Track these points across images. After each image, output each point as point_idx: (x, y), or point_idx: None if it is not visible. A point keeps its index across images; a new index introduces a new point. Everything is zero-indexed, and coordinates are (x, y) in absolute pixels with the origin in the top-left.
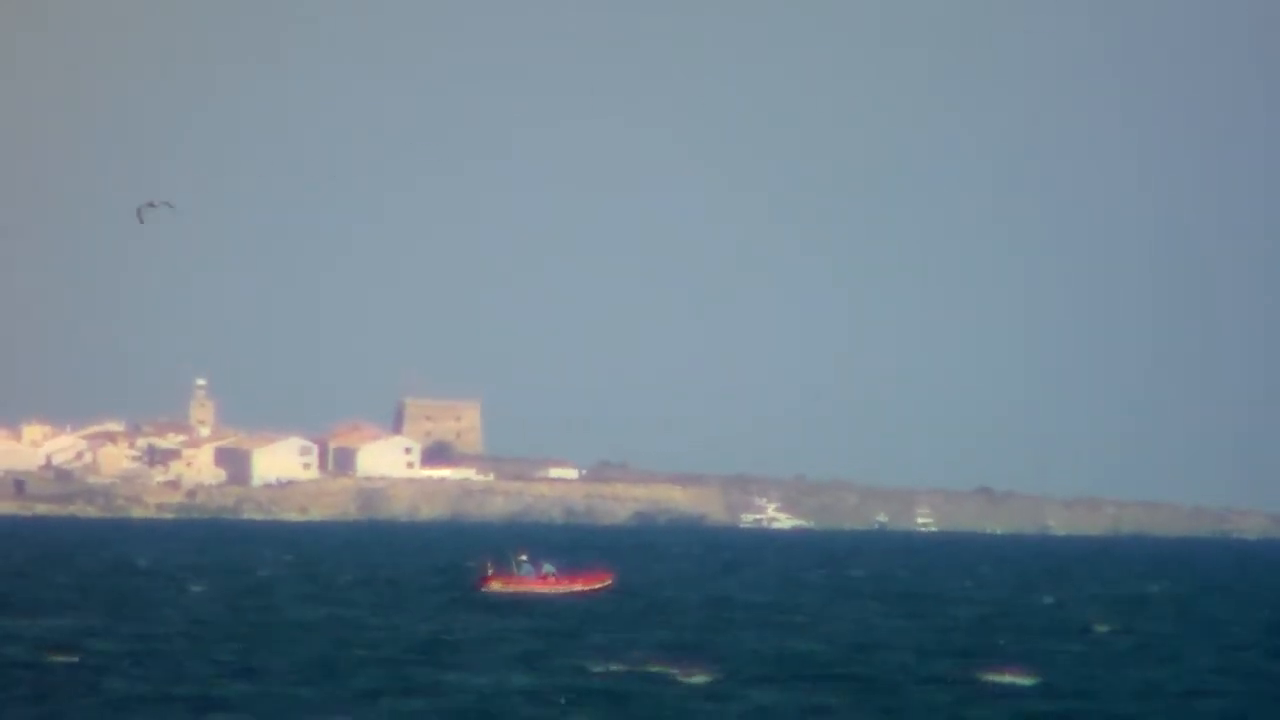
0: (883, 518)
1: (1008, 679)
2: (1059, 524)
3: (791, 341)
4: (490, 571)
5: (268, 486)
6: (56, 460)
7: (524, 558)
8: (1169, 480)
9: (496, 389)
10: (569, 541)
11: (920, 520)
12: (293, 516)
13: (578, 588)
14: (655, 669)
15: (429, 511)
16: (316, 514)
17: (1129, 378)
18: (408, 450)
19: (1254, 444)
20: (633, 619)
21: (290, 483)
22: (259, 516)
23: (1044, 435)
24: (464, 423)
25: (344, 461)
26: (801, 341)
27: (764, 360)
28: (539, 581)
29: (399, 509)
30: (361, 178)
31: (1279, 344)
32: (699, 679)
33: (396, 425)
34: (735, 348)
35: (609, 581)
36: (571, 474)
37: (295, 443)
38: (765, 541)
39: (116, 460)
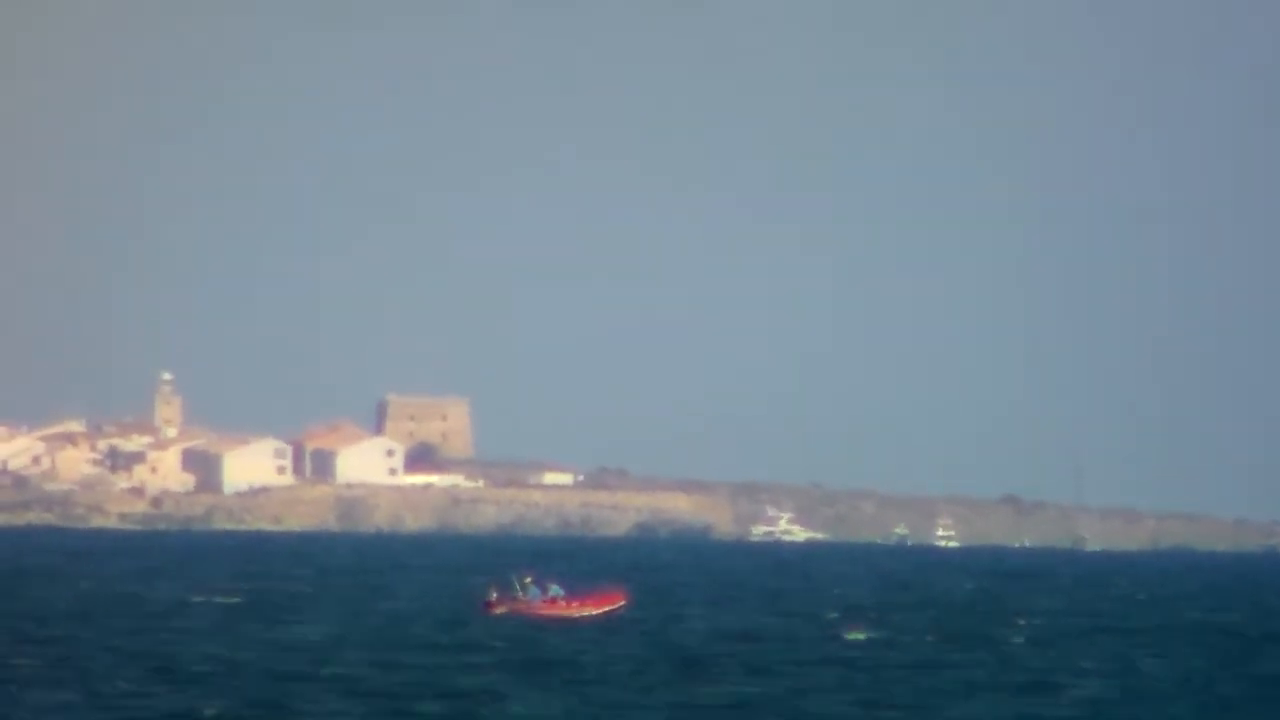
0: (902, 529)
1: None
2: (1093, 537)
3: (804, 340)
4: (494, 595)
5: (239, 494)
6: (12, 465)
7: (529, 579)
8: (1205, 491)
9: (486, 386)
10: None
11: (941, 532)
12: (266, 526)
13: (589, 611)
14: None
15: (414, 522)
16: (293, 524)
17: (1166, 383)
18: (390, 453)
19: None
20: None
21: (263, 489)
22: (231, 526)
23: (1075, 441)
24: (450, 423)
25: (322, 465)
26: (815, 340)
27: (774, 360)
28: (546, 605)
29: (381, 519)
30: (346, 166)
31: None
32: None
33: (378, 425)
34: (744, 347)
35: (622, 603)
36: (567, 480)
37: (269, 445)
38: (782, 555)
39: (75, 465)
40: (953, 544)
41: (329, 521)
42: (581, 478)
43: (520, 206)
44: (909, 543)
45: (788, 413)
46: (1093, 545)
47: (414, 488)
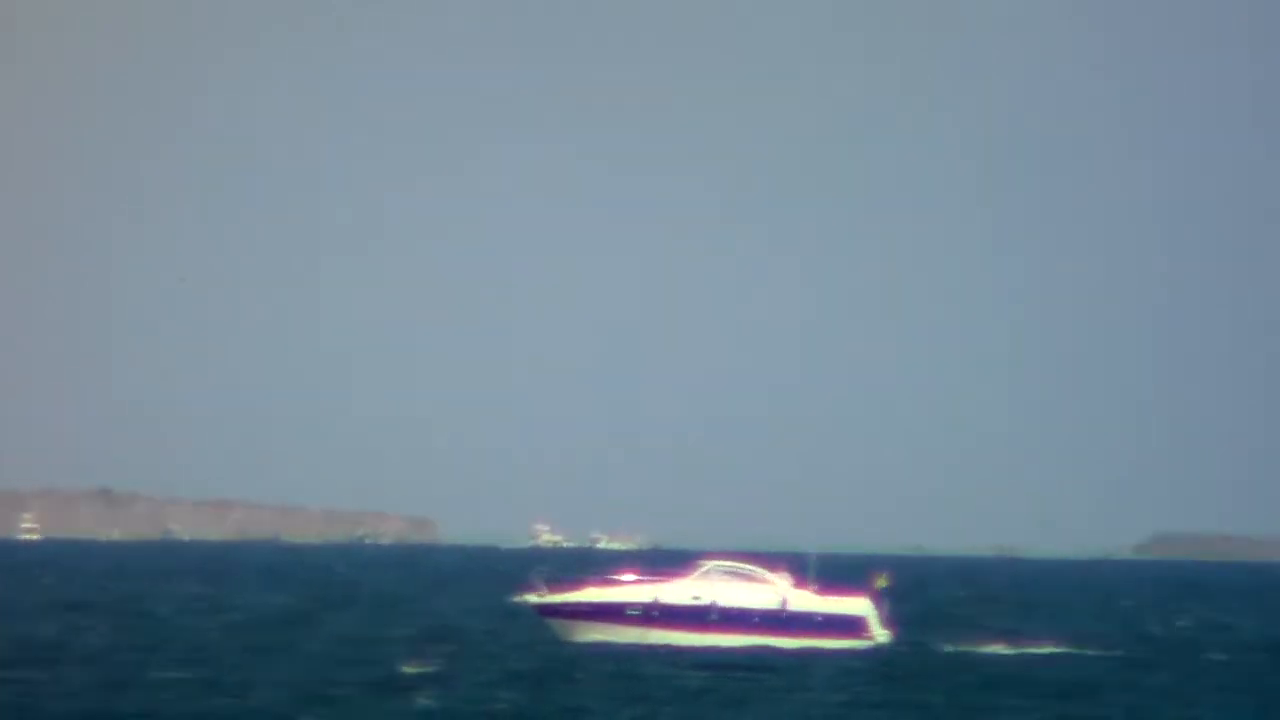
0: None
1: None
2: (184, 528)
3: None
4: None
5: None
6: None
7: None
8: (291, 481)
9: None
10: None
11: (25, 525)
12: None
13: None
14: None
15: None
16: None
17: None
18: None
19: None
20: None
21: None
22: None
23: (162, 430)
24: None
25: None
26: None
27: None
28: None
29: None
30: None
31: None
32: None
33: None
34: None
35: None
36: None
37: None
38: None
39: None
40: (34, 536)
41: None
42: None
43: None
44: None
45: None
46: (183, 535)
47: None
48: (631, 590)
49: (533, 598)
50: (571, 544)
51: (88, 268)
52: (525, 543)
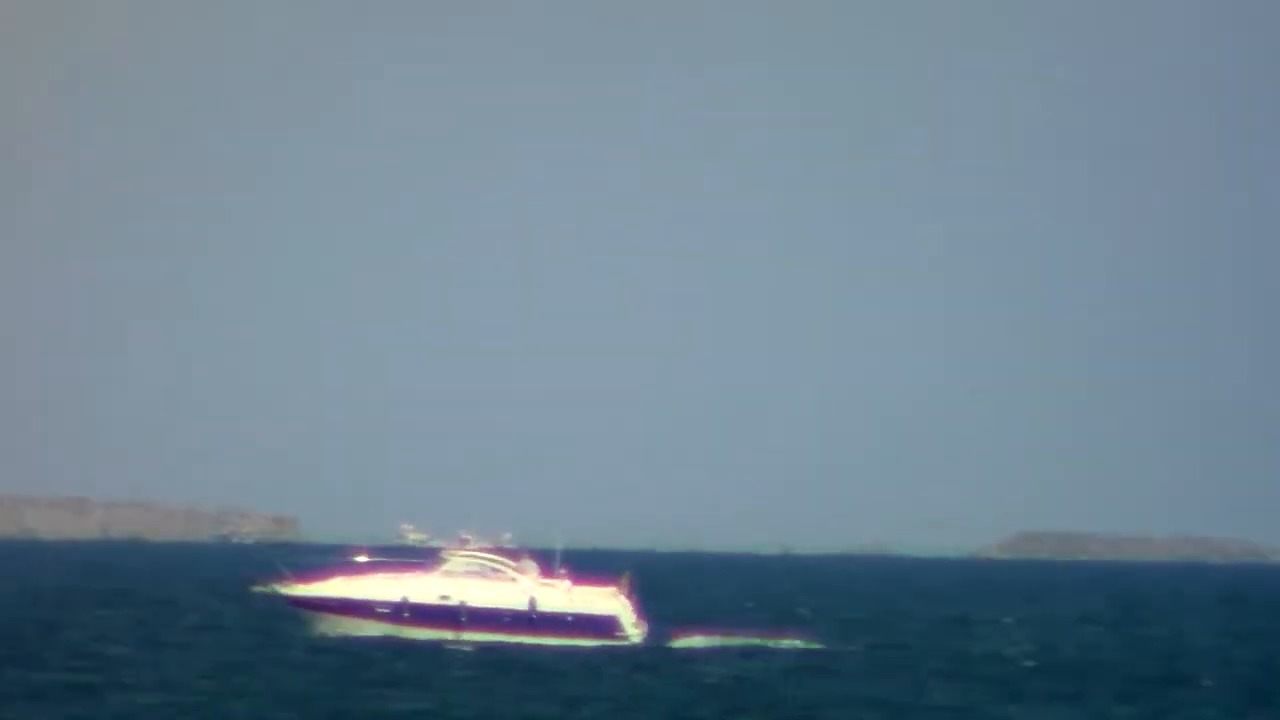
0: None
1: None
2: (45, 527)
3: None
4: None
5: None
6: None
7: None
8: (154, 477)
9: None
10: None
11: None
12: None
13: None
14: None
15: None
16: None
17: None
18: None
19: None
20: None
21: None
22: None
23: (14, 424)
24: None
25: None
26: None
27: None
28: None
29: None
30: None
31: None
32: None
33: None
34: None
35: None
36: None
37: None
38: None
39: None
40: None
41: None
42: None
43: None
44: None
45: None
46: (45, 535)
47: None
48: (380, 586)
49: (282, 589)
50: (439, 543)
51: None
52: (393, 542)
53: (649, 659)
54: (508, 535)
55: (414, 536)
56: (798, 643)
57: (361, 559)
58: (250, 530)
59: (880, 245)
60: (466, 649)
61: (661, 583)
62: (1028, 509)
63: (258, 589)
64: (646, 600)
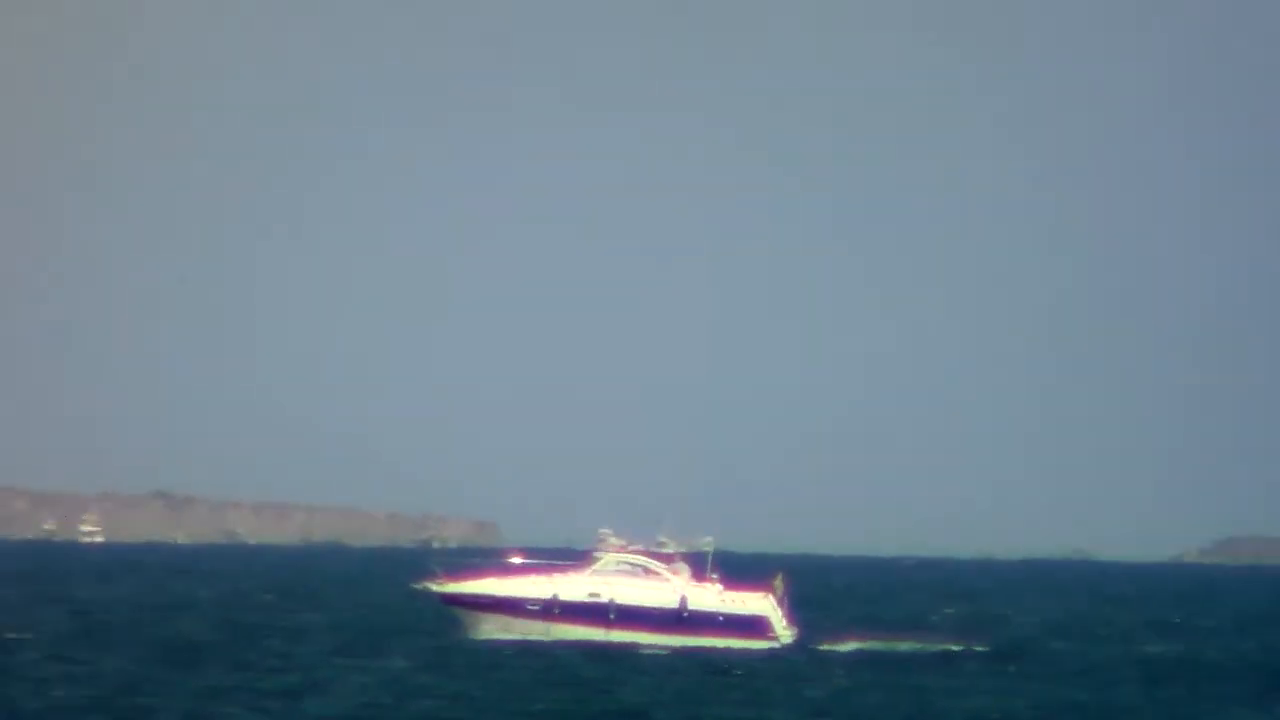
0: (50, 525)
1: None
2: (248, 531)
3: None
4: None
5: None
6: None
7: None
8: (354, 484)
9: None
10: None
11: (85, 529)
12: None
13: None
14: None
15: None
16: None
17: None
18: None
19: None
20: None
21: None
22: None
23: (224, 434)
24: None
25: None
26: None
27: None
28: None
29: None
30: None
31: None
32: None
33: None
34: None
35: None
36: None
37: None
38: None
39: None
40: (97, 539)
41: None
42: None
43: None
44: (56, 539)
45: None
46: (248, 539)
47: None
48: (530, 584)
49: (434, 587)
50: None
51: (142, 271)
52: (592, 546)
53: (798, 660)
54: (708, 539)
55: (612, 541)
56: (953, 647)
57: (516, 560)
58: (451, 535)
59: (1066, 252)
60: (662, 653)
61: (858, 588)
62: (1228, 514)
63: (415, 587)
64: (835, 605)
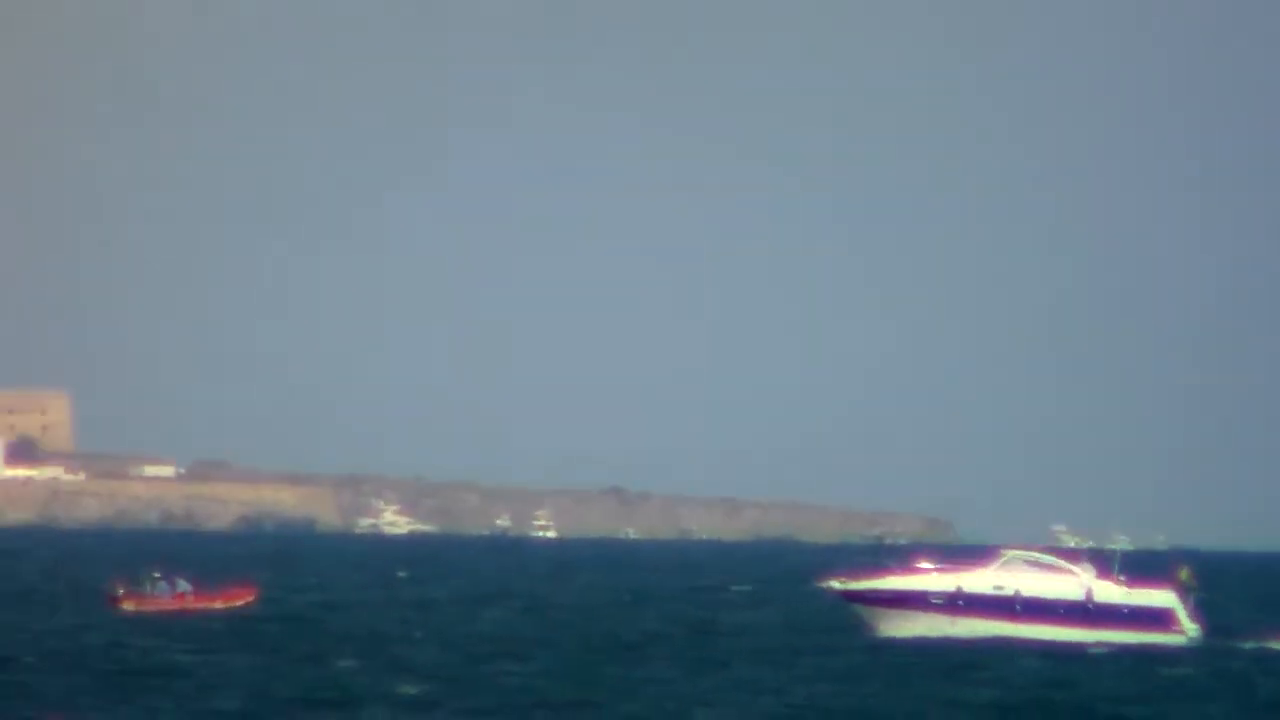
0: (504, 521)
1: None
2: (699, 527)
3: (395, 332)
4: (121, 591)
5: None
6: None
7: (158, 575)
8: (806, 480)
9: (86, 379)
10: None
11: (539, 524)
12: None
13: (218, 606)
14: None
15: (15, 515)
16: None
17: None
18: None
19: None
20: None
21: None
22: None
23: (677, 431)
24: (50, 416)
25: None
26: (404, 332)
27: (369, 352)
28: (175, 600)
29: None
30: None
31: None
32: None
33: None
34: (344, 336)
35: (251, 598)
36: (168, 472)
37: None
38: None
39: None
40: (550, 534)
41: None
42: (183, 470)
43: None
44: (510, 534)
45: (390, 404)
46: (699, 534)
47: (14, 481)
48: (933, 579)
49: (836, 584)
50: (1090, 544)
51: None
52: (1046, 543)
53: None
54: (1161, 538)
55: (1066, 538)
56: None
57: (924, 565)
58: (903, 531)
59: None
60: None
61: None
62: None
63: (820, 585)
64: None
